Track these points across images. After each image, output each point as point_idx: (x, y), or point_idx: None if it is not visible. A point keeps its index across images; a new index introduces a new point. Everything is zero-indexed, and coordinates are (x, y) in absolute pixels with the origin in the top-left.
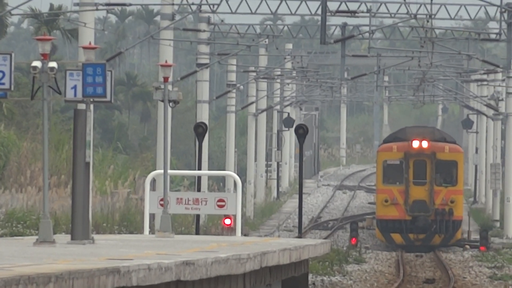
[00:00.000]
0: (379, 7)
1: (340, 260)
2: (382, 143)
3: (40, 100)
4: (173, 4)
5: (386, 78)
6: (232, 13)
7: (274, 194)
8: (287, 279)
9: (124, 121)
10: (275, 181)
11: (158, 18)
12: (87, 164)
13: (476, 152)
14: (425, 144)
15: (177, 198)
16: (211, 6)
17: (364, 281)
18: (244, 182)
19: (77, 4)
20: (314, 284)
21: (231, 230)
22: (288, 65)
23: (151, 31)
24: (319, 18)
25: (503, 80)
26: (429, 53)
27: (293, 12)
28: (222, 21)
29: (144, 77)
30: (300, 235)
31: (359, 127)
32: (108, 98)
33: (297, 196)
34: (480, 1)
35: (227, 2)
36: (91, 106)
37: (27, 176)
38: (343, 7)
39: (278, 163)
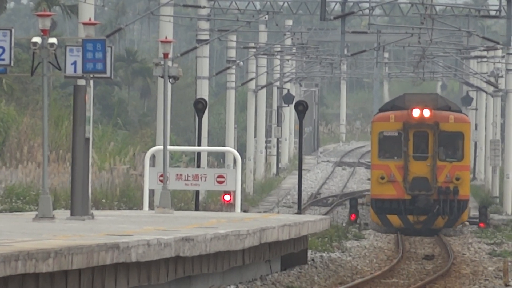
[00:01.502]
0: None
1: (339, 236)
2: (378, 112)
3: (40, 76)
4: None
5: (386, 55)
6: None
7: (274, 170)
8: (286, 255)
9: (124, 97)
10: (275, 158)
11: None
12: (87, 139)
13: (476, 128)
14: (426, 113)
15: (177, 174)
16: None
17: (363, 257)
18: (243, 158)
19: None
20: (313, 260)
21: (230, 206)
22: (288, 42)
23: (151, 7)
24: None
25: (503, 57)
26: (429, 29)
27: None
28: None
29: (144, 53)
30: (300, 211)
31: (359, 104)
32: (108, 74)
33: (297, 172)
34: None
35: None
36: (91, 82)
37: (26, 152)
38: None
39: (277, 140)
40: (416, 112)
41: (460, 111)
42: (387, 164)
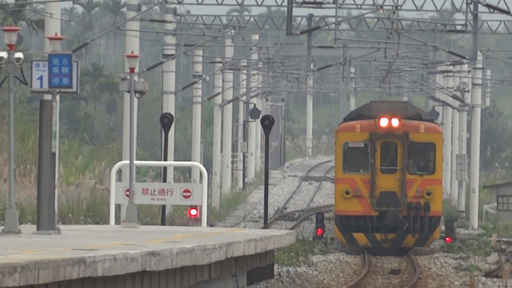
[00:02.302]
0: None
1: (305, 250)
2: (342, 121)
3: (6, 90)
4: None
5: (352, 69)
6: (198, 4)
7: (240, 185)
8: (252, 269)
9: (90, 112)
10: (241, 172)
11: (124, 9)
12: (53, 154)
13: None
14: (395, 122)
15: (143, 189)
16: None
17: (330, 272)
18: (210, 173)
19: None
20: (279, 274)
21: (197, 220)
22: (254, 56)
23: (118, 22)
24: (285, 9)
25: (469, 72)
26: (395, 44)
27: (259, 3)
28: (188, 12)
29: (111, 68)
30: (266, 226)
31: (325, 119)
32: (74, 89)
33: (263, 187)
34: None
35: None
36: (57, 97)
37: None
38: (307, 1)
39: (244, 154)
40: (383, 122)
41: (431, 121)
42: (353, 178)
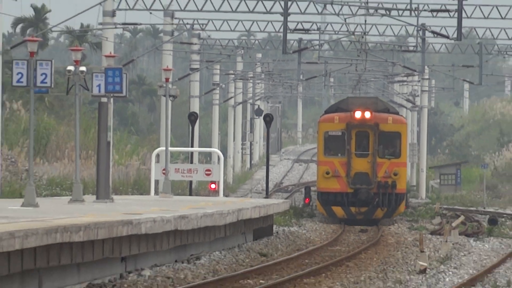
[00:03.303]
0: (326, 26)
1: (296, 215)
2: (323, 114)
3: (73, 95)
4: (172, 24)
5: (331, 80)
6: (216, 30)
7: (248, 165)
8: (257, 229)
9: (136, 111)
10: (249, 156)
11: (161, 34)
12: (108, 143)
13: None
14: (367, 114)
15: (175, 169)
16: (201, 25)
17: (315, 231)
18: (225, 156)
19: (101, 24)
20: (277, 232)
21: (215, 192)
22: (258, 69)
23: (156, 44)
24: (282, 34)
25: (419, 81)
26: (363, 60)
27: (262, 29)
28: (209, 36)
29: (151, 78)
30: (267, 196)
31: (312, 116)
32: (124, 94)
33: (265, 167)
34: (402, 22)
35: (212, 22)
36: (111, 100)
37: (63, 152)
38: (299, 26)
39: (250, 143)
40: (358, 114)
41: (397, 113)
42: (332, 161)
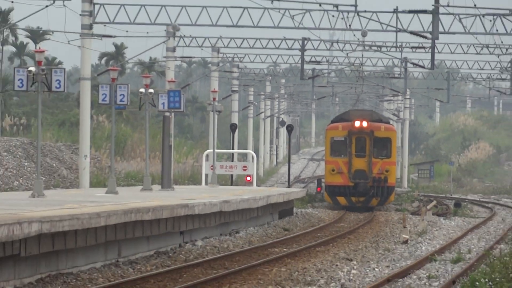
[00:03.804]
0: (333, 59)
1: (311, 200)
2: (330, 123)
3: (144, 110)
4: (218, 57)
5: (337, 99)
6: (251, 62)
7: (274, 163)
8: (281, 210)
9: (190, 122)
10: (275, 156)
11: (210, 65)
12: (170, 146)
13: None
14: (365, 124)
15: (220, 165)
16: (239, 58)
17: (324, 212)
18: (257, 156)
19: (165, 57)
20: (296, 213)
21: (250, 183)
22: (282, 91)
23: (206, 72)
24: (300, 65)
25: (402, 100)
26: (361, 85)
27: (285, 61)
28: (245, 66)
29: (202, 98)
30: (289, 186)
31: (322, 126)
32: (181, 109)
33: (287, 164)
34: (390, 56)
35: (248, 56)
36: (172, 114)
37: (137, 152)
38: (313, 59)
39: (276, 146)
40: (357, 123)
41: (388, 123)
42: (336, 160)
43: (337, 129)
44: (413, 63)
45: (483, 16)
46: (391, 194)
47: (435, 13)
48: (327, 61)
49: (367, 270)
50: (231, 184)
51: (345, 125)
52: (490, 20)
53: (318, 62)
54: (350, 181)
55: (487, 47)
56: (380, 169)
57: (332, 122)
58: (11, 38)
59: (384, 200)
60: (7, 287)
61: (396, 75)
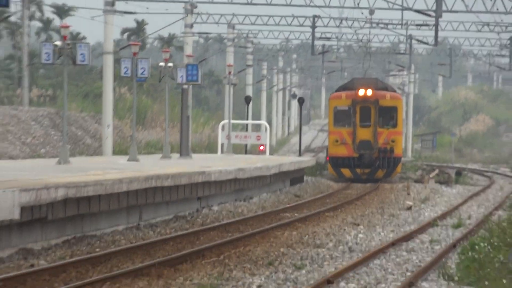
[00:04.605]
0: (342, 35)
1: (320, 168)
2: (333, 92)
3: (163, 82)
4: (233, 33)
5: (345, 74)
6: (264, 38)
7: (286, 133)
8: (293, 178)
9: (207, 95)
10: (287, 127)
11: (225, 40)
12: (188, 117)
13: None
14: (369, 92)
15: (235, 135)
16: (253, 34)
17: (333, 180)
18: (270, 127)
19: (183, 33)
20: (307, 180)
21: (263, 152)
22: (294, 66)
23: (222, 48)
24: (310, 41)
25: (407, 75)
26: (368, 60)
27: (296, 38)
28: (259, 42)
29: (218, 72)
30: (300, 155)
31: None
32: (199, 82)
33: (298, 134)
34: (395, 33)
35: (262, 32)
36: (190, 87)
37: (157, 123)
38: (323, 36)
39: (288, 117)
40: (361, 92)
41: (394, 91)
42: (340, 131)
43: (341, 98)
44: (417, 40)
45: None
46: (397, 165)
47: None
48: (336, 37)
49: (373, 234)
50: (246, 153)
51: (349, 94)
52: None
53: (328, 39)
54: (354, 152)
55: (488, 25)
56: (386, 139)
57: (336, 91)
58: (37, 14)
59: (390, 172)
60: (35, 248)
61: (402, 51)
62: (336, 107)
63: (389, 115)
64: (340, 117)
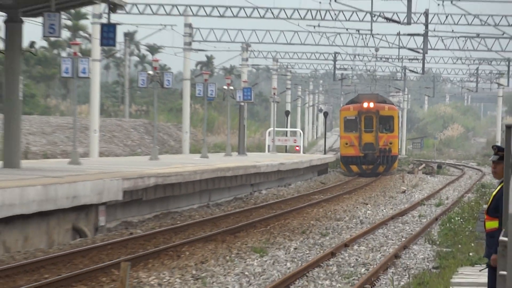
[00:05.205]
0: (355, 66)
1: (339, 163)
2: (343, 105)
3: (226, 100)
4: (276, 64)
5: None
6: (299, 68)
7: (315, 137)
8: (319, 170)
9: (258, 109)
10: (315, 133)
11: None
12: (244, 125)
13: None
14: (371, 105)
15: (278, 139)
16: (291, 65)
17: (345, 173)
18: (303, 133)
19: (240, 64)
20: (330, 172)
21: (298, 152)
22: (320, 88)
23: (268, 75)
24: (332, 70)
25: (402, 95)
26: (374, 85)
27: (322, 68)
28: (295, 71)
29: (265, 93)
30: (325, 153)
31: None
32: (252, 100)
33: (323, 138)
34: (393, 65)
35: (298, 64)
36: (245, 104)
37: (221, 130)
38: (341, 67)
39: (316, 126)
40: (365, 104)
41: (392, 103)
42: (349, 136)
43: (349, 110)
44: (410, 70)
45: (458, 38)
46: (394, 162)
47: (425, 36)
48: (351, 68)
49: (378, 211)
50: (285, 152)
51: (356, 106)
52: (463, 41)
53: (345, 69)
54: (360, 152)
55: (460, 59)
56: (385, 142)
57: (345, 104)
58: (135, 51)
59: (389, 167)
60: (133, 221)
61: (398, 78)
62: (346, 117)
63: (387, 123)
64: (348, 125)
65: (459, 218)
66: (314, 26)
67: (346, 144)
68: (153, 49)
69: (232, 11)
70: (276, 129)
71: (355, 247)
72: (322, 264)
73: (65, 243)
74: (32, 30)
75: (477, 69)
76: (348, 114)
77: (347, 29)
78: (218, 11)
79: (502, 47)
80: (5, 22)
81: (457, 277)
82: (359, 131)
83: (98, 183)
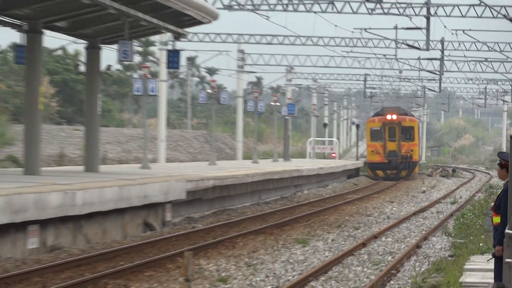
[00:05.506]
0: (383, 86)
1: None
2: (369, 117)
3: (274, 114)
4: (316, 84)
5: None
6: (335, 87)
7: (349, 145)
8: (350, 174)
9: (300, 122)
10: (349, 142)
11: (311, 89)
12: (288, 136)
13: None
14: (394, 116)
15: (317, 147)
16: (328, 85)
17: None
18: (339, 142)
19: (285, 84)
20: (361, 175)
21: (334, 158)
22: (353, 104)
23: (309, 93)
24: (363, 90)
25: (422, 110)
26: (398, 101)
27: (355, 87)
28: (332, 90)
29: (307, 108)
30: (356, 159)
31: None
32: (295, 115)
33: (356, 146)
34: (415, 84)
35: (333, 83)
36: (290, 118)
37: (270, 139)
38: (371, 86)
39: (350, 136)
40: (389, 116)
41: (412, 115)
42: (375, 144)
43: (374, 122)
44: (428, 89)
45: (469, 62)
46: (415, 167)
47: (441, 60)
48: (379, 87)
49: (402, 208)
50: (324, 158)
51: (380, 118)
52: (473, 64)
53: (374, 88)
54: (385, 159)
55: (471, 79)
56: (407, 149)
57: (371, 116)
58: (196, 73)
59: (410, 172)
60: (195, 217)
61: (419, 96)
62: (372, 128)
63: (408, 133)
64: (374, 135)
65: (470, 214)
66: (348, 52)
67: (372, 151)
68: (211, 71)
69: (278, 39)
70: (315, 138)
71: (383, 238)
72: (355, 253)
73: (137, 236)
74: (109, 55)
75: (485, 88)
76: (373, 125)
77: (375, 54)
78: (266, 39)
79: (506, 69)
80: (86, 48)
81: (469, 264)
82: (384, 140)
83: (165, 185)
